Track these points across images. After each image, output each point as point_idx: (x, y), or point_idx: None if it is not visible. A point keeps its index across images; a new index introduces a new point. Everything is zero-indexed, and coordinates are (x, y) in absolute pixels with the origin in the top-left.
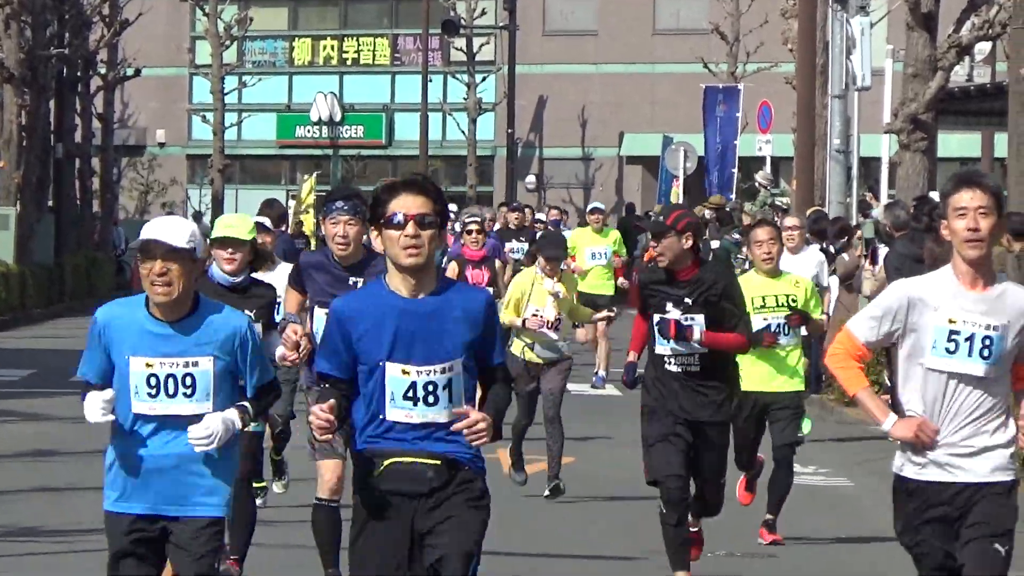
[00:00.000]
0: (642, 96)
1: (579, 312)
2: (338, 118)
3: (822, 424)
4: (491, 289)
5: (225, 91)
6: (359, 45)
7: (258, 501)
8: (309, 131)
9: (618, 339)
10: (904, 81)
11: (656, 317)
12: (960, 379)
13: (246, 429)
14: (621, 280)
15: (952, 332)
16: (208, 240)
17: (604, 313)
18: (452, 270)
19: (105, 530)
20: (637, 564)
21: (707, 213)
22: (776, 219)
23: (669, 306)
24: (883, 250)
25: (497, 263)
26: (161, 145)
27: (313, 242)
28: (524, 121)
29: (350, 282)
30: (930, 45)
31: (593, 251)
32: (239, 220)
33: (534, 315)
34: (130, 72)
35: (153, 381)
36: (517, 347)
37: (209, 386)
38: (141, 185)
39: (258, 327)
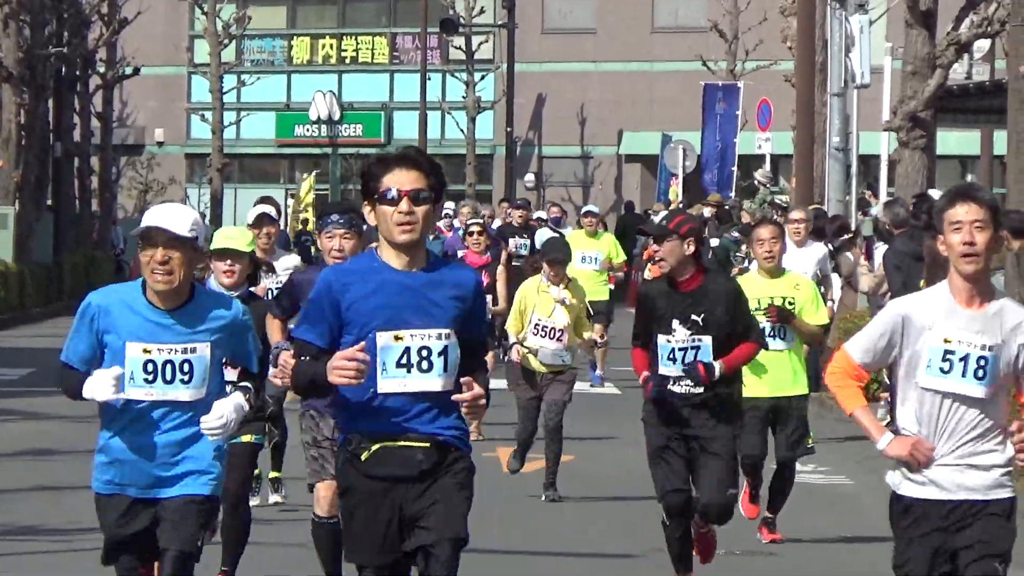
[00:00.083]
0: (641, 94)
1: (581, 326)
2: (337, 117)
3: (821, 422)
4: (488, 296)
5: (224, 90)
6: (358, 44)
7: (254, 501)
8: (308, 130)
9: (617, 337)
10: (903, 79)
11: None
12: (955, 399)
13: (244, 439)
14: (619, 273)
15: (947, 352)
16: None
17: (596, 336)
18: None
19: (98, 515)
20: (637, 562)
21: (706, 211)
22: (776, 217)
23: (675, 324)
24: (881, 248)
25: (500, 270)
26: (160, 144)
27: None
28: (523, 119)
29: None
30: (929, 43)
31: (584, 255)
32: (239, 232)
33: (535, 324)
34: (129, 71)
35: (150, 367)
36: (519, 354)
37: (206, 372)
38: (140, 184)
39: None
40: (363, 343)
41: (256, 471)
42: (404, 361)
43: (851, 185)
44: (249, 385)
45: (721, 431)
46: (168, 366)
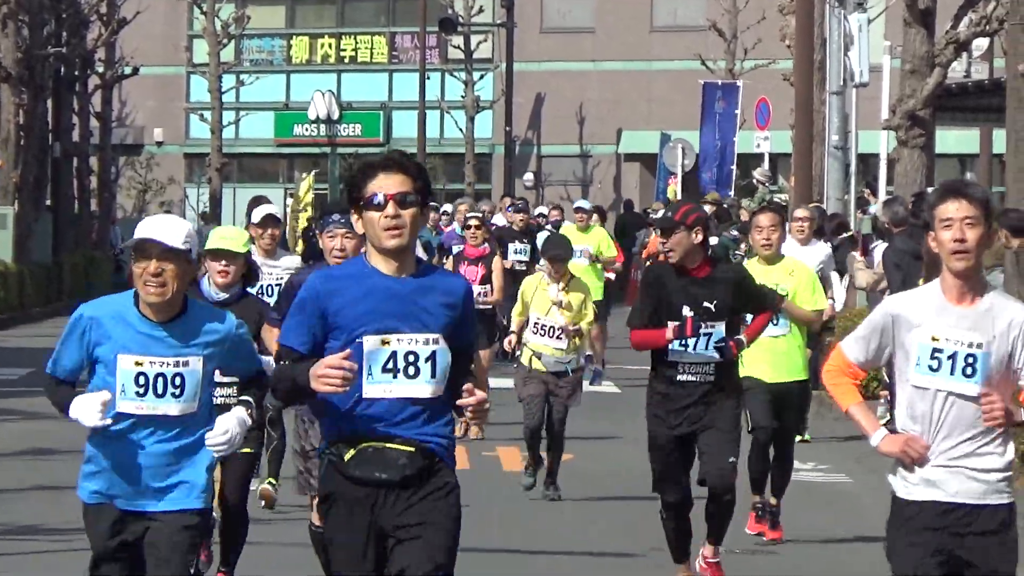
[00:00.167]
0: (640, 93)
1: (582, 318)
2: (336, 116)
3: (821, 421)
4: (486, 287)
5: (223, 90)
6: (356, 43)
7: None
8: (307, 129)
9: (616, 337)
10: (902, 77)
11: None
12: (948, 396)
13: (243, 450)
14: (616, 266)
15: (935, 350)
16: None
17: (584, 327)
18: (449, 268)
19: (86, 526)
20: (636, 561)
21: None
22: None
23: (686, 310)
24: (879, 246)
25: (496, 260)
26: (159, 144)
27: (297, 243)
28: (522, 119)
29: None
30: (928, 41)
31: (577, 249)
32: (236, 233)
33: (534, 322)
34: (128, 71)
35: (142, 380)
36: (525, 356)
37: (197, 386)
38: (139, 184)
39: None
40: (349, 351)
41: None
42: (391, 366)
43: (850, 184)
44: (250, 399)
45: (721, 404)
46: (160, 379)
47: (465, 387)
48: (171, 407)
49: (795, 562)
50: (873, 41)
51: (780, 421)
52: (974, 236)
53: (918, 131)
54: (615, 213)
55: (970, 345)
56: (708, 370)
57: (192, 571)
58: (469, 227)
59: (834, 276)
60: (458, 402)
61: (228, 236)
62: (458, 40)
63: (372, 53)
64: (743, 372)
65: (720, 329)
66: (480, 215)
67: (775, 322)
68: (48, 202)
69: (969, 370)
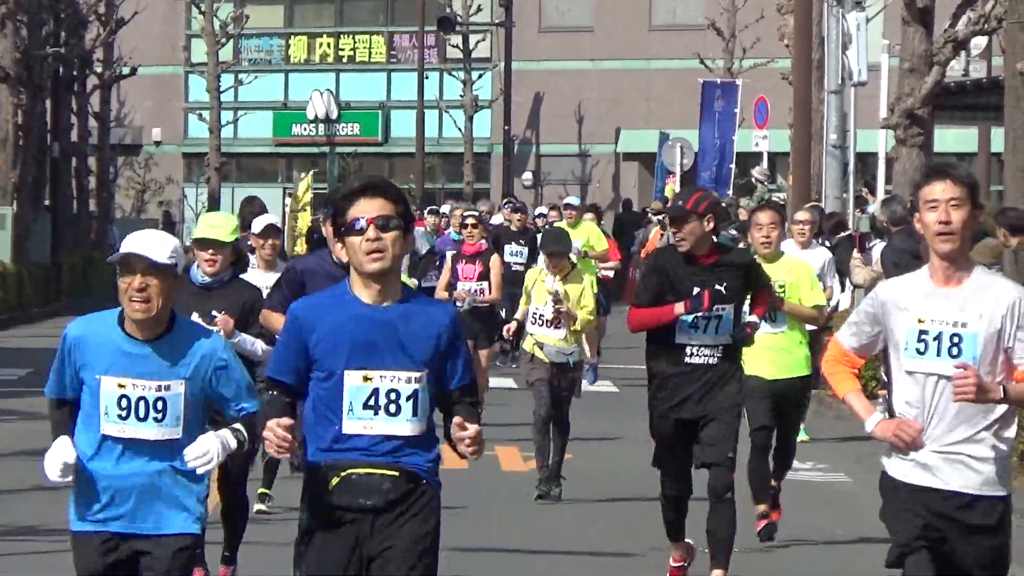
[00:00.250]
0: (638, 92)
1: (583, 322)
2: (334, 116)
3: (820, 420)
4: (484, 283)
5: (221, 89)
6: (355, 42)
7: (261, 506)
8: (305, 129)
9: (614, 336)
10: (900, 76)
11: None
12: (939, 379)
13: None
14: (613, 264)
15: (921, 332)
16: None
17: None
18: (447, 266)
19: (73, 553)
20: (636, 561)
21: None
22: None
23: (697, 290)
24: (878, 244)
25: (494, 258)
26: (157, 144)
27: (301, 243)
28: (520, 118)
29: None
30: (926, 40)
31: None
32: (224, 220)
33: (533, 312)
34: (126, 71)
35: (124, 403)
36: (528, 343)
37: (180, 411)
38: (137, 184)
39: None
40: (288, 421)
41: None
42: (372, 403)
43: (848, 183)
44: (241, 428)
45: (723, 397)
46: (141, 403)
47: (456, 421)
48: (151, 432)
49: (794, 562)
50: (871, 40)
51: (782, 417)
52: (959, 217)
53: (916, 130)
54: (614, 212)
55: (954, 325)
56: (716, 352)
57: None
58: (466, 226)
59: (835, 283)
60: (453, 437)
61: (215, 225)
62: (456, 39)
63: (370, 52)
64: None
65: (729, 312)
66: (477, 213)
67: (772, 318)
68: (47, 202)
69: (955, 350)
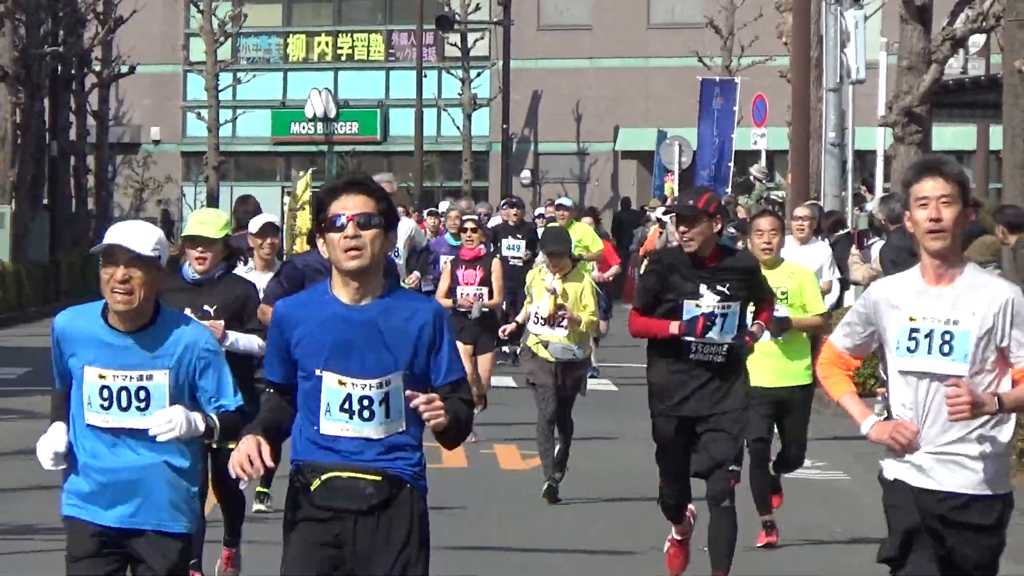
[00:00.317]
0: (637, 91)
1: (588, 324)
2: (333, 114)
3: (818, 417)
4: (484, 289)
5: (219, 88)
6: (353, 41)
7: (260, 506)
8: (304, 127)
9: (613, 335)
10: (898, 74)
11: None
12: (933, 379)
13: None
14: (612, 271)
15: (912, 330)
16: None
17: (581, 325)
18: (447, 272)
19: (67, 536)
20: (636, 559)
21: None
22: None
23: (704, 289)
24: (877, 242)
25: (495, 263)
26: (156, 142)
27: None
28: (519, 116)
29: None
30: (924, 38)
31: None
32: (214, 217)
33: (535, 313)
34: (124, 69)
35: (106, 393)
36: (531, 341)
37: (164, 401)
38: (136, 183)
39: (231, 335)
40: (264, 447)
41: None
42: (346, 407)
43: (847, 181)
44: (215, 419)
45: (727, 402)
46: (123, 393)
47: (407, 393)
48: (136, 421)
49: (793, 560)
50: (870, 38)
51: (784, 426)
52: (950, 215)
53: (915, 128)
54: (612, 210)
55: (946, 322)
56: (721, 351)
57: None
58: (466, 229)
59: (835, 278)
60: (411, 401)
61: (205, 221)
62: (455, 38)
63: (369, 51)
64: None
65: (735, 309)
66: (476, 217)
67: (774, 334)
68: (45, 201)
69: (946, 348)
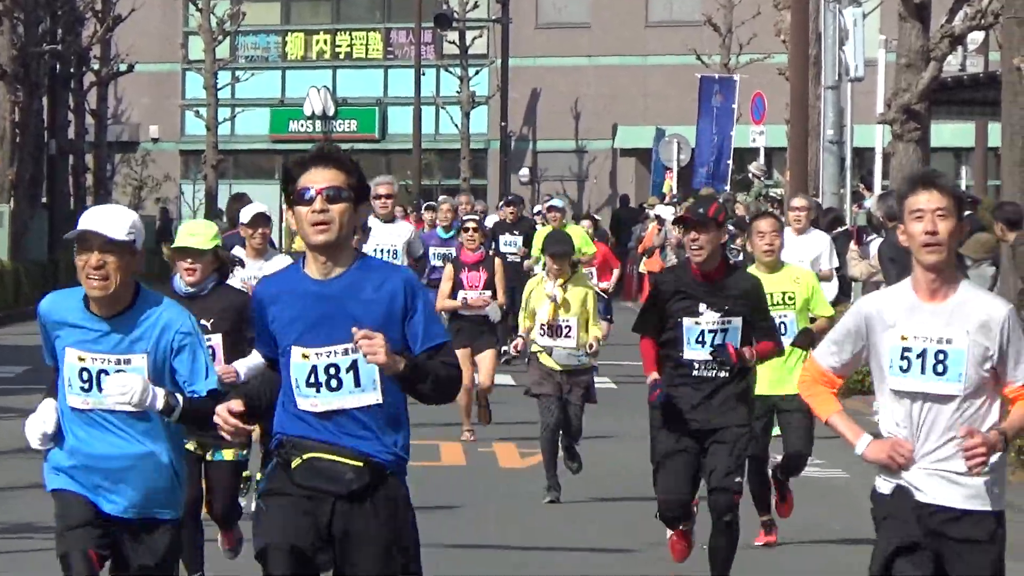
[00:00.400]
0: (635, 88)
1: (589, 320)
2: (331, 112)
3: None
4: (488, 292)
5: (218, 86)
6: (352, 39)
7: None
8: (302, 125)
9: (613, 333)
10: (897, 71)
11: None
12: (926, 398)
13: (226, 456)
14: (609, 284)
15: (904, 350)
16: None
17: (594, 346)
18: (447, 275)
19: (58, 506)
20: (634, 557)
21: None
22: (771, 210)
23: (703, 307)
24: (875, 240)
25: (498, 263)
26: (154, 141)
27: (299, 241)
28: (517, 114)
29: None
30: (923, 35)
31: None
32: (204, 228)
33: (540, 323)
34: (123, 68)
35: (85, 375)
36: (535, 349)
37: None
38: (135, 181)
39: (217, 338)
40: (238, 406)
41: (245, 473)
42: (312, 380)
43: (846, 178)
44: (180, 400)
45: (731, 419)
46: (102, 376)
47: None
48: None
49: (792, 559)
50: (868, 35)
51: (785, 435)
52: (946, 228)
53: (913, 125)
54: (611, 208)
55: (939, 341)
56: (724, 368)
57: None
58: (467, 229)
59: (834, 267)
60: (355, 337)
61: (194, 233)
62: (453, 36)
63: (367, 49)
64: None
65: (737, 324)
66: (476, 217)
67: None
68: (44, 199)
69: (940, 368)
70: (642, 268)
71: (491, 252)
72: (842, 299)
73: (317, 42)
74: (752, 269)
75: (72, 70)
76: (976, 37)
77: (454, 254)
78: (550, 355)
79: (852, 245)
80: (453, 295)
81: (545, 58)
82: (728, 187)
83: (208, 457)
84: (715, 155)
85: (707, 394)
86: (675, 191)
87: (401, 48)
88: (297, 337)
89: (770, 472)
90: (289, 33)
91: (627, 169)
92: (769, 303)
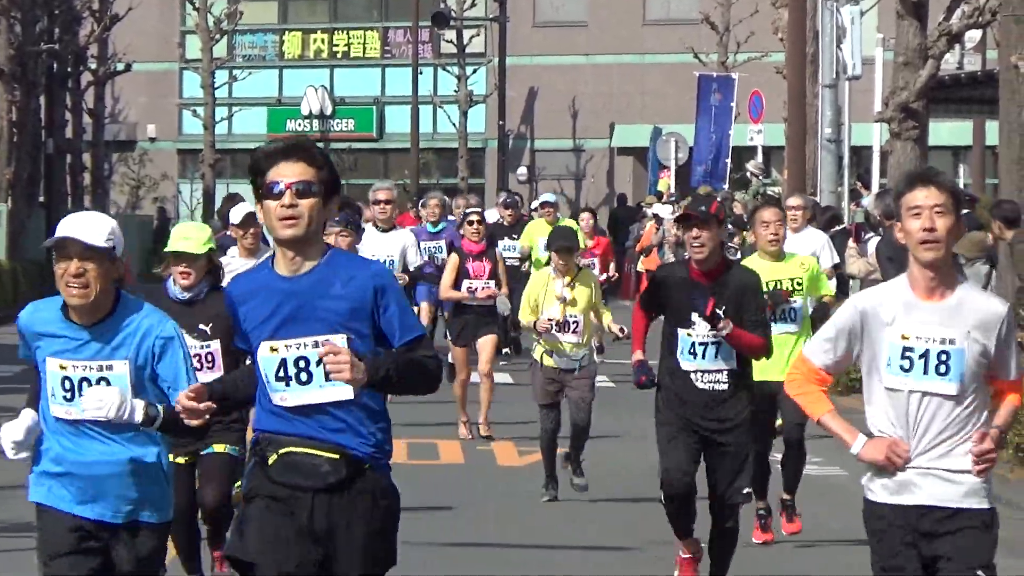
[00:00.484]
0: (633, 87)
1: (599, 313)
2: (329, 111)
3: None
4: (491, 282)
5: (215, 85)
6: (349, 38)
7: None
8: (300, 125)
9: (609, 333)
10: (895, 70)
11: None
12: (924, 396)
13: (216, 449)
14: (607, 276)
15: (906, 349)
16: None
17: (616, 329)
18: (452, 263)
19: (39, 527)
20: (634, 556)
21: None
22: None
23: (695, 317)
24: (872, 237)
25: (498, 253)
26: (152, 140)
27: None
28: (515, 113)
29: None
30: (920, 33)
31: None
32: (197, 232)
33: (548, 319)
34: (120, 67)
35: (67, 384)
36: (537, 352)
37: (125, 392)
38: (132, 180)
39: (216, 344)
40: (199, 385)
41: (237, 484)
42: (282, 374)
43: (843, 176)
44: (160, 409)
45: (735, 424)
46: (84, 384)
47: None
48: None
49: (791, 558)
50: (866, 33)
51: (784, 417)
52: (944, 225)
53: (911, 123)
54: (608, 207)
55: (943, 342)
56: (721, 376)
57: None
58: (472, 222)
59: (832, 263)
60: (320, 353)
61: (189, 236)
62: (451, 35)
63: (365, 48)
64: None
65: (728, 325)
66: (480, 211)
67: (774, 318)
68: (41, 199)
69: (943, 368)
70: (640, 267)
71: (492, 245)
72: (840, 297)
73: (314, 41)
74: (756, 258)
75: (69, 69)
76: (974, 35)
77: (443, 248)
78: (551, 356)
79: (850, 243)
80: (457, 285)
81: (543, 57)
82: (726, 186)
83: (201, 452)
84: (713, 153)
85: (706, 403)
86: (673, 190)
87: (399, 47)
88: (269, 335)
89: (777, 467)
90: (286, 32)
91: (625, 168)
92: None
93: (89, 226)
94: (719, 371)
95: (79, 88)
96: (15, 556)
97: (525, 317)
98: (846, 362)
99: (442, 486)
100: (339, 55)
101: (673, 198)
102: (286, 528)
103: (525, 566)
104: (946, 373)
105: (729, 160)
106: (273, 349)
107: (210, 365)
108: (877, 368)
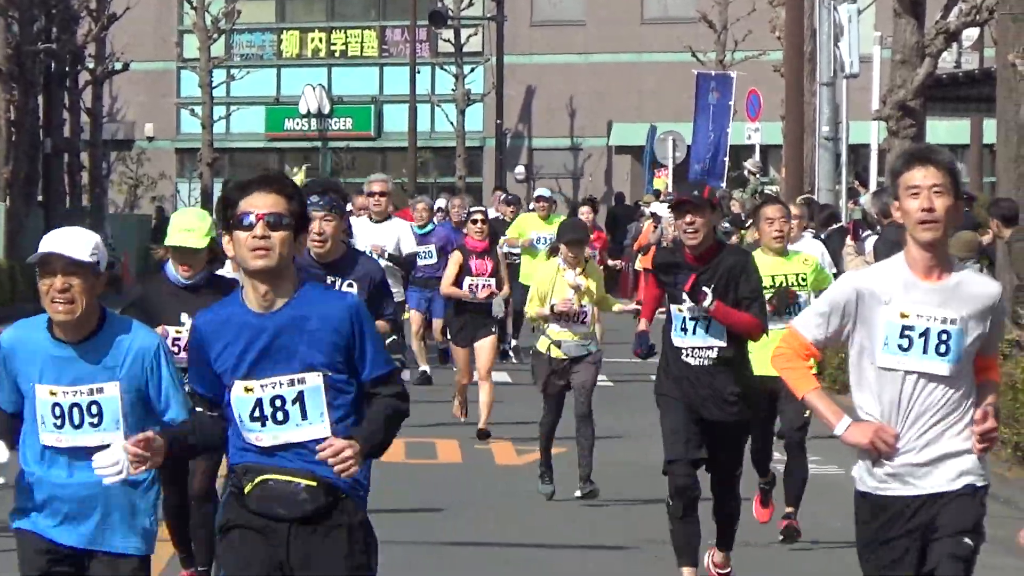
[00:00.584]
0: (630, 86)
1: (606, 303)
2: (327, 110)
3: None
4: (492, 280)
5: (213, 84)
6: (347, 37)
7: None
8: (298, 124)
9: (610, 332)
10: (892, 68)
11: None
12: (919, 378)
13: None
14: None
15: (905, 327)
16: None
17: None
18: (456, 260)
19: (18, 551)
20: (632, 554)
21: None
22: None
23: (686, 296)
24: (870, 236)
25: (500, 253)
26: (150, 139)
27: None
28: (512, 112)
29: (328, 281)
30: (918, 32)
31: (539, 236)
32: (197, 223)
33: (567, 299)
34: (118, 66)
35: (58, 411)
36: (543, 344)
37: (117, 413)
38: (130, 179)
39: None
40: (149, 434)
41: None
42: (257, 414)
43: (841, 175)
44: (163, 443)
45: (734, 421)
46: (75, 409)
47: (318, 447)
48: (90, 438)
49: (791, 557)
50: (863, 32)
51: (783, 417)
52: (942, 205)
53: (909, 121)
54: (606, 206)
55: (943, 321)
56: (710, 353)
57: None
58: (475, 221)
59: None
60: (318, 455)
61: (189, 228)
62: (448, 34)
63: (363, 47)
64: None
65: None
66: (484, 209)
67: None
68: (39, 198)
69: (943, 348)
70: (638, 265)
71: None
72: None
73: (312, 40)
74: (759, 255)
75: (67, 68)
76: (971, 33)
77: (433, 252)
78: (558, 347)
79: (848, 240)
80: (459, 283)
81: (540, 55)
82: (724, 184)
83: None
84: (711, 152)
85: (702, 382)
86: (671, 188)
87: (396, 46)
88: (236, 371)
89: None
90: (284, 31)
91: (622, 166)
92: (784, 286)
93: (73, 241)
94: (708, 348)
95: (77, 87)
96: (14, 556)
97: (533, 309)
98: (835, 339)
99: (440, 485)
100: (337, 54)
101: (671, 197)
102: (262, 561)
103: (524, 566)
104: (946, 353)
105: (727, 158)
106: (248, 389)
107: None
108: (871, 349)
